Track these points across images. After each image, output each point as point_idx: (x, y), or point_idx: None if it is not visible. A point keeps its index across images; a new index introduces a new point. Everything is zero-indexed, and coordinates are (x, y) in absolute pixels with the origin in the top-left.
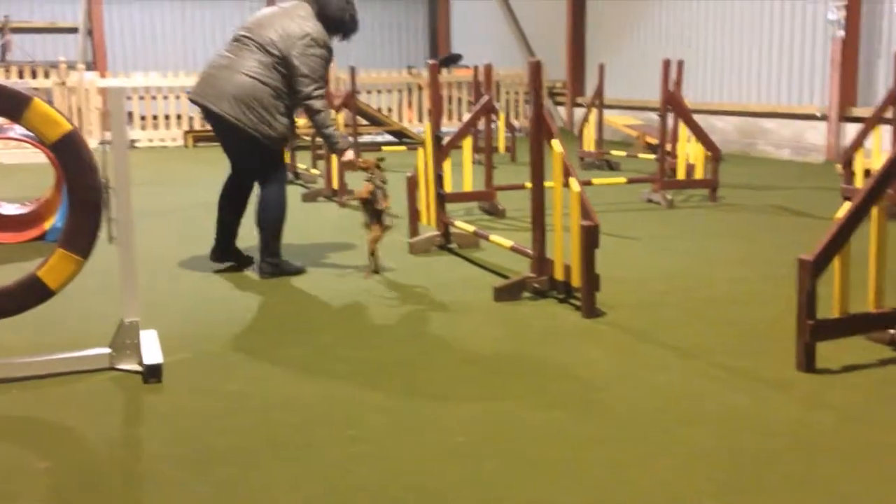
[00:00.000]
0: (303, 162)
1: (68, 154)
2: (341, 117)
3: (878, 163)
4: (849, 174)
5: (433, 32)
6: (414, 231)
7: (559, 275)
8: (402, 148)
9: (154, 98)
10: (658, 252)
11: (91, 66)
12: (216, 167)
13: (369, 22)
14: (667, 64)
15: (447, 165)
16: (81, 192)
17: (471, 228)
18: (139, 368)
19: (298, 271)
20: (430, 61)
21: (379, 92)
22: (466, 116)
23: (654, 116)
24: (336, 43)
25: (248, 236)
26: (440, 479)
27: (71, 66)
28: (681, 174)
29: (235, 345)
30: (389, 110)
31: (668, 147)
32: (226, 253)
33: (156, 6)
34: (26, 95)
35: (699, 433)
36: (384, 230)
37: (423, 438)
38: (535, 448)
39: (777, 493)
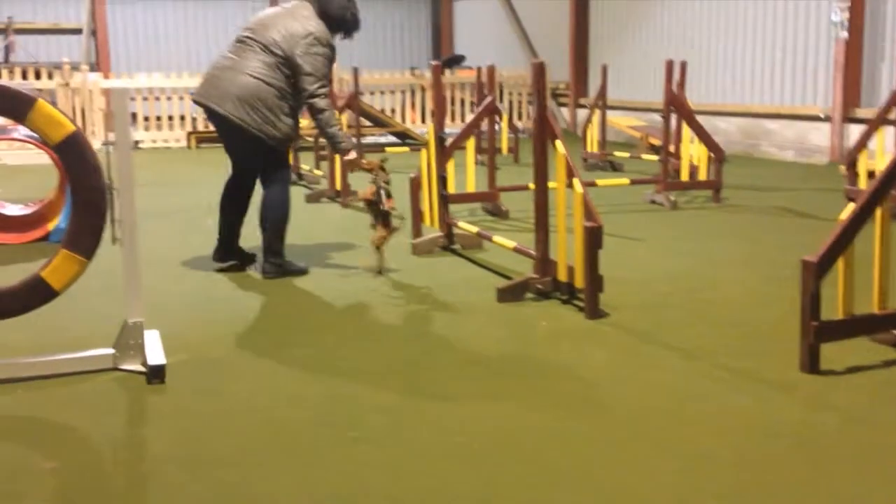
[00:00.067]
0: (306, 163)
1: (72, 155)
2: (345, 118)
3: (881, 164)
4: (852, 175)
5: (436, 33)
6: (417, 232)
7: (562, 276)
8: (406, 149)
9: (157, 99)
10: (661, 253)
11: (94, 67)
12: (219, 168)
13: (372, 23)
14: (670, 65)
15: (450, 166)
16: (85, 193)
17: (474, 229)
18: (143, 369)
19: (301, 272)
20: (434, 62)
21: (382, 93)
22: (469, 117)
23: (657, 117)
24: (339, 44)
25: (251, 236)
26: (443, 480)
27: (74, 67)
28: (684, 175)
29: (239, 345)
30: (392, 111)
31: (672, 148)
32: (228, 252)
33: (159, 7)
34: (30, 96)
35: (703, 435)
36: (391, 231)
37: (427, 439)
38: (538, 449)
39: (781, 495)
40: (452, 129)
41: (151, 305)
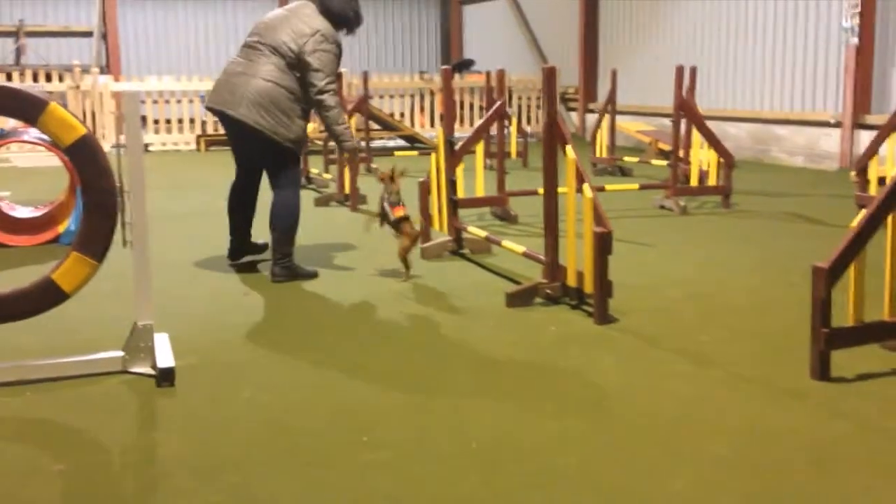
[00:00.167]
0: (315, 166)
1: (83, 158)
2: (354, 122)
3: (892, 170)
4: (863, 182)
5: (445, 37)
6: (426, 236)
7: (572, 281)
8: (414, 153)
9: (167, 102)
10: (671, 259)
11: (105, 70)
12: (229, 171)
13: (382, 27)
14: (680, 70)
15: (459, 171)
16: (96, 196)
17: (483, 234)
18: (152, 372)
19: (311, 276)
20: (444, 67)
21: (391, 97)
22: (478, 122)
23: (666, 122)
24: (349, 49)
25: (260, 238)
26: (455, 487)
27: (85, 70)
28: (694, 181)
29: (248, 349)
30: (402, 115)
31: (681, 153)
32: (242, 250)
33: (169, 10)
34: (42, 100)
35: (714, 442)
36: (412, 239)
37: (437, 445)
38: (549, 455)
39: (793, 503)
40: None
41: (162, 308)
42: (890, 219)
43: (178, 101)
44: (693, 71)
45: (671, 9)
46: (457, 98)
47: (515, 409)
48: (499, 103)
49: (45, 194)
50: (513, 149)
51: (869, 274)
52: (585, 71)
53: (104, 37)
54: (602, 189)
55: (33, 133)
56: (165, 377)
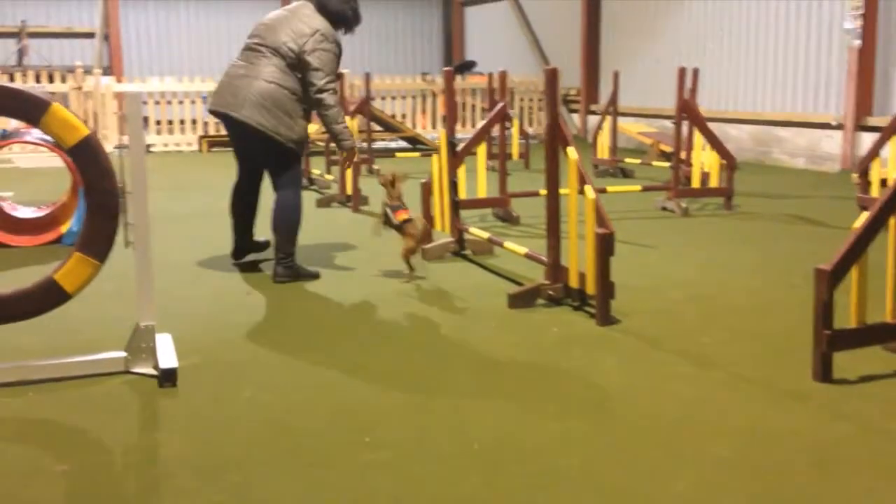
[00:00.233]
0: (317, 167)
1: (86, 158)
2: (356, 123)
3: (894, 172)
4: (865, 184)
5: (447, 39)
6: (429, 236)
7: (574, 282)
8: (416, 154)
9: (169, 103)
10: (673, 260)
11: (107, 71)
12: (231, 172)
13: (384, 28)
14: (682, 72)
15: (461, 172)
16: (98, 197)
17: (485, 235)
18: (154, 372)
19: (313, 276)
20: (446, 68)
21: (393, 98)
22: (480, 123)
23: (668, 124)
24: (350, 50)
25: (261, 236)
26: (456, 487)
27: (87, 71)
28: (695, 182)
29: (251, 350)
30: (403, 117)
31: (683, 155)
32: (244, 250)
33: (172, 11)
34: (45, 100)
35: (716, 444)
36: (415, 240)
37: (439, 445)
38: (551, 456)
39: None
40: (463, 134)
41: (164, 309)
42: (892, 221)
43: (181, 102)
44: (695, 72)
45: (673, 10)
46: (459, 99)
47: (517, 410)
48: (501, 105)
49: (48, 195)
50: (514, 150)
51: (871, 276)
52: (587, 72)
53: (106, 38)
54: (604, 190)
55: (36, 134)
56: (167, 377)
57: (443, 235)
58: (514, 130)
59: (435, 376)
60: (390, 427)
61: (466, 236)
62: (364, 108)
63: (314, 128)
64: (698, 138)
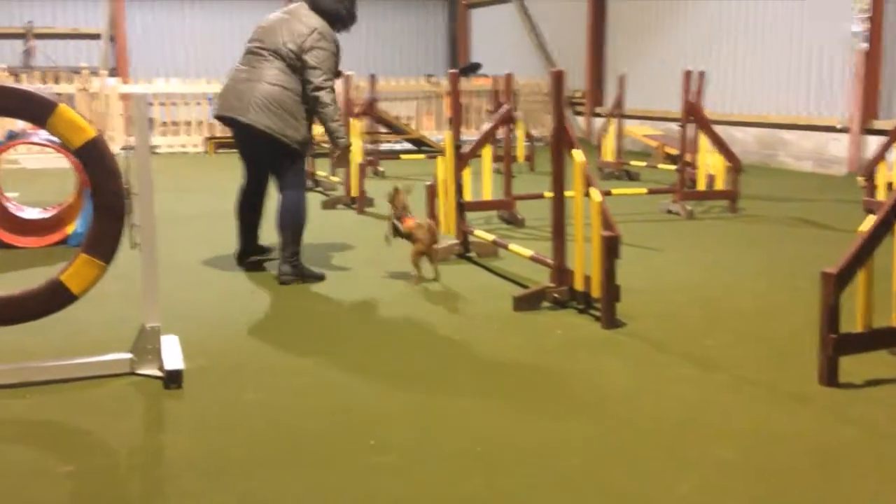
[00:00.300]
0: (322, 169)
1: (92, 160)
2: (361, 125)
3: None
4: (871, 187)
5: (452, 41)
6: (434, 238)
7: (579, 285)
8: (421, 156)
9: (175, 104)
10: (678, 263)
11: (113, 72)
12: (236, 173)
13: (389, 30)
14: (688, 74)
15: (467, 174)
16: (105, 198)
17: (490, 237)
18: (160, 374)
19: (318, 278)
20: (451, 70)
21: (398, 100)
22: (485, 125)
23: (673, 127)
24: (356, 52)
25: (266, 240)
26: (459, 489)
27: (93, 72)
28: (701, 185)
29: (257, 352)
30: (409, 119)
31: (689, 158)
32: (249, 253)
33: (177, 13)
34: (52, 101)
35: (720, 447)
36: (425, 244)
37: (442, 447)
38: (554, 459)
39: None
40: (469, 136)
41: (171, 310)
42: None
43: (186, 104)
44: (701, 75)
45: (679, 13)
46: (464, 102)
47: (521, 412)
48: (506, 107)
49: (54, 196)
50: (520, 152)
51: (877, 279)
52: (593, 74)
53: (112, 39)
54: (608, 193)
55: (42, 135)
56: (173, 379)
57: (448, 238)
58: (519, 133)
59: (439, 378)
60: (394, 429)
61: (471, 238)
62: (369, 109)
63: (320, 129)
64: (704, 141)
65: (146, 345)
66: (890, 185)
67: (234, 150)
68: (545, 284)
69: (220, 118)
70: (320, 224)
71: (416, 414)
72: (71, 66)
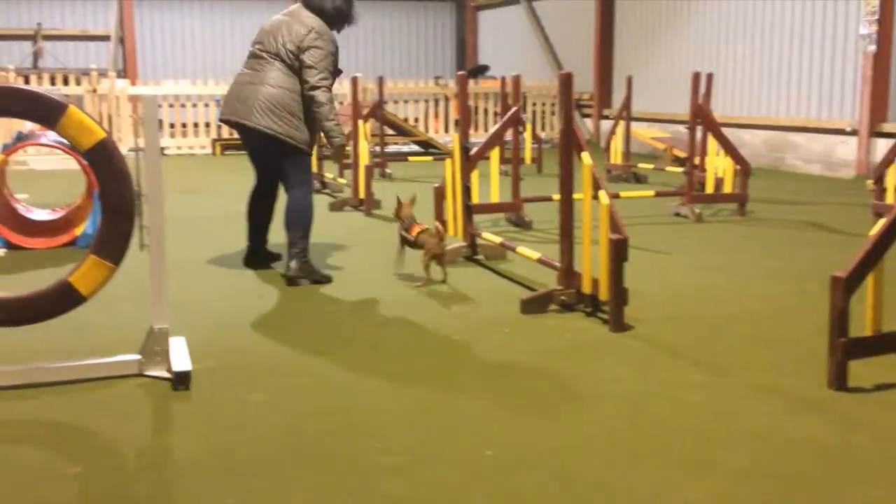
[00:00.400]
0: (330, 171)
1: (102, 161)
2: (369, 127)
3: None
4: (880, 190)
5: (460, 43)
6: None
7: (587, 288)
8: (429, 158)
9: (183, 106)
10: (686, 266)
11: (122, 74)
12: (244, 175)
13: (397, 32)
14: (696, 76)
15: (474, 176)
16: (114, 200)
17: (498, 240)
18: (168, 375)
19: (325, 278)
20: (459, 72)
21: (406, 102)
22: (493, 127)
23: (681, 129)
24: (364, 52)
25: (275, 244)
26: (468, 493)
27: (102, 74)
28: (709, 188)
29: (264, 353)
30: (416, 120)
31: (697, 160)
32: (257, 256)
33: (186, 15)
34: (62, 103)
35: (732, 453)
36: (434, 249)
37: (451, 452)
38: (563, 464)
39: None
40: (476, 138)
41: (178, 311)
42: None
43: (194, 105)
44: (709, 77)
45: (687, 15)
46: (471, 104)
47: (529, 416)
48: (514, 109)
49: (62, 197)
50: (527, 155)
51: (887, 283)
52: (600, 77)
53: (121, 41)
54: (617, 196)
55: (51, 136)
56: (181, 381)
57: (455, 240)
58: (527, 135)
59: (446, 380)
60: (401, 431)
61: (479, 241)
62: (377, 111)
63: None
64: (712, 143)
65: (154, 346)
66: None
67: (242, 152)
68: (553, 287)
69: (225, 121)
70: (328, 226)
71: (423, 416)
72: (80, 68)
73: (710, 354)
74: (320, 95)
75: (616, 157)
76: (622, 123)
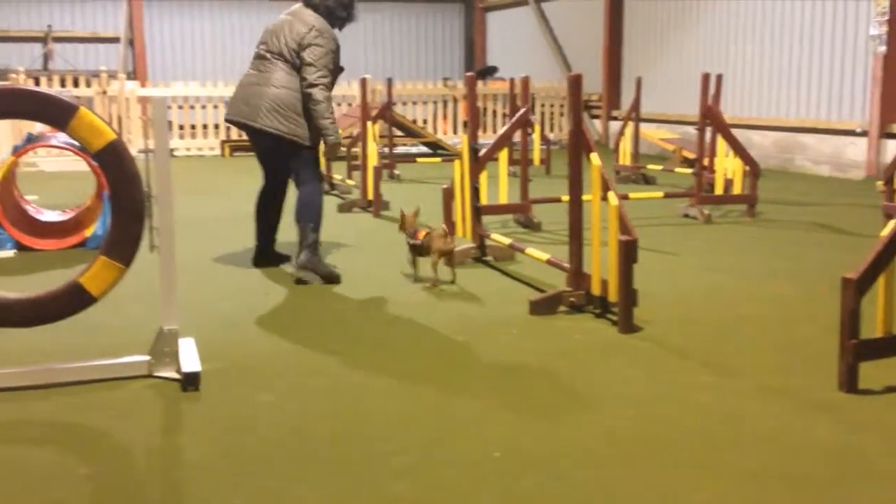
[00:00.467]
0: (338, 172)
1: (112, 163)
2: (377, 128)
3: None
4: (890, 191)
5: (469, 44)
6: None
7: (596, 289)
8: (438, 160)
9: (192, 107)
10: (696, 267)
11: (131, 75)
12: (252, 176)
13: (406, 34)
14: (705, 77)
15: (483, 178)
16: (124, 201)
17: (506, 241)
18: (177, 376)
19: (333, 276)
20: (468, 73)
21: (414, 103)
22: (502, 129)
23: (690, 130)
24: (373, 53)
25: (284, 243)
26: (477, 496)
27: (112, 76)
28: (718, 189)
29: (274, 354)
30: (425, 122)
31: (706, 161)
32: (266, 257)
33: (196, 17)
34: (73, 105)
35: (741, 455)
36: (442, 248)
37: (460, 453)
38: (571, 465)
39: None
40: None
41: (188, 313)
42: None
43: (203, 107)
44: (718, 78)
45: (696, 15)
46: (480, 105)
47: (537, 418)
48: (522, 110)
49: (72, 198)
50: (536, 156)
51: None
52: (609, 78)
53: (131, 43)
54: (626, 197)
55: (61, 137)
56: (190, 382)
57: (464, 241)
58: (536, 136)
59: (455, 381)
60: (409, 431)
61: (488, 242)
62: (386, 112)
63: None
64: (721, 145)
65: (164, 347)
66: None
67: (250, 154)
68: (562, 288)
69: (230, 122)
70: (336, 227)
71: (431, 417)
72: (90, 70)
73: (720, 356)
74: (317, 93)
75: (625, 158)
76: (631, 124)
